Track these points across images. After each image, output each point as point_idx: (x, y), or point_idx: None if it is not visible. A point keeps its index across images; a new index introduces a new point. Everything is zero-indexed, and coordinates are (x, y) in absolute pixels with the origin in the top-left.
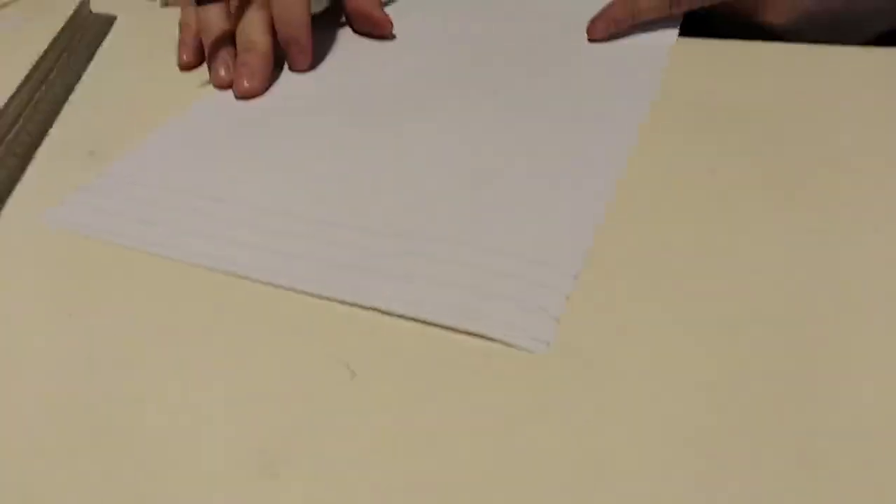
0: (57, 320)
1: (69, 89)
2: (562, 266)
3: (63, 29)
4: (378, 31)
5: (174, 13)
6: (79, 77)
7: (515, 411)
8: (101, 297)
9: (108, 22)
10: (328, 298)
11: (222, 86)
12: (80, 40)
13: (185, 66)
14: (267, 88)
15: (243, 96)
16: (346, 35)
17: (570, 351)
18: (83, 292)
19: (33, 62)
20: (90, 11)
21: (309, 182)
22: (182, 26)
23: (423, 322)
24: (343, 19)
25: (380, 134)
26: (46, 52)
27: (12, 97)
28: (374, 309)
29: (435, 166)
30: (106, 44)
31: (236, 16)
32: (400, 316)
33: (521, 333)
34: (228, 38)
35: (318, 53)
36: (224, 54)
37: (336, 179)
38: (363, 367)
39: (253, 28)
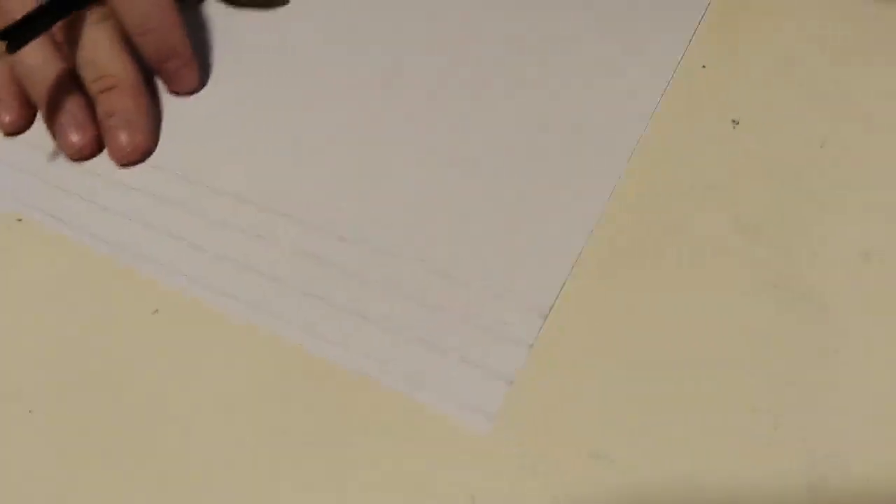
0: None
1: None
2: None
3: None
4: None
5: None
6: None
7: None
8: None
9: None
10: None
11: (82, 153)
12: None
13: (12, 129)
14: (158, 138)
15: (128, 161)
16: (236, 22)
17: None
18: None
19: None
20: None
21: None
22: None
23: None
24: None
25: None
26: None
27: None
28: None
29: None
30: None
31: (68, 43)
32: None
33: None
34: (68, 80)
35: (207, 61)
36: (70, 105)
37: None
38: None
39: (102, 54)
